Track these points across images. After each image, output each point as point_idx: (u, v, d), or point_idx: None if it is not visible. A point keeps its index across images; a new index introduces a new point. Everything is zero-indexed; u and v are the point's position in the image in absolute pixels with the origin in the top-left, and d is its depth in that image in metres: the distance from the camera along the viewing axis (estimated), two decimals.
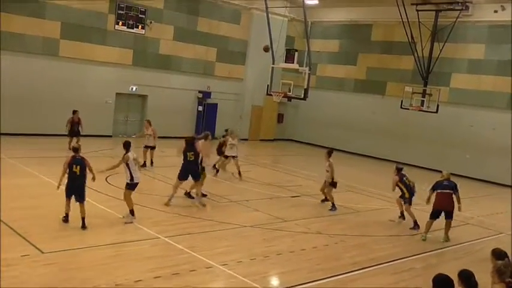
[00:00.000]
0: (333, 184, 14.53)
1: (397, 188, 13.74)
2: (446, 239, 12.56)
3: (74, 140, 18.09)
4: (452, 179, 12.90)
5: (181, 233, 10.82)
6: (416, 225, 13.38)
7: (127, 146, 11.47)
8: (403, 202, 13.78)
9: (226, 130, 18.81)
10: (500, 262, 6.33)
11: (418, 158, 25.18)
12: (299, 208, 14.51)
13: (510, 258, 6.93)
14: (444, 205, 12.42)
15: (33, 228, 10.01)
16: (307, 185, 17.85)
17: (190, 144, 13.22)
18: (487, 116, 23.33)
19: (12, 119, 20.20)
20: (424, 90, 24.11)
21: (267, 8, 20.12)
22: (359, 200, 16.61)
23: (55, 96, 21.96)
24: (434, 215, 12.51)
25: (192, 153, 13.12)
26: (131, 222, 11.13)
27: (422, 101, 23.81)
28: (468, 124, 23.87)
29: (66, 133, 19.21)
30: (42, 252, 8.89)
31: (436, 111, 22.98)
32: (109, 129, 23.78)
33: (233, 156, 17.59)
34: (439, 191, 12.53)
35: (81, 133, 19.18)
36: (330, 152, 14.80)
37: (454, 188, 12.51)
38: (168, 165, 18.19)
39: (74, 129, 19.16)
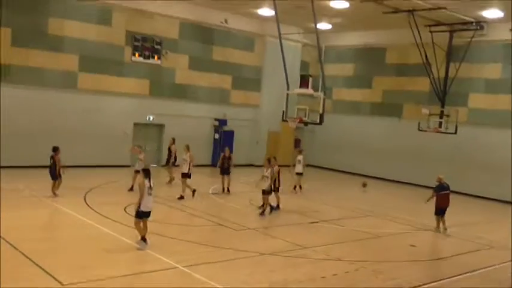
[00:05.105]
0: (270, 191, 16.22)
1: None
2: (446, 230, 15.38)
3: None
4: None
5: (200, 262, 10.73)
6: (277, 207, 16.68)
7: (148, 174, 11.56)
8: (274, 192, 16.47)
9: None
10: None
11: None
12: (318, 234, 14.35)
13: None
14: (446, 204, 15.43)
15: (53, 260, 10.01)
16: (325, 211, 17.71)
17: None
18: (507, 135, 22.95)
19: (31, 152, 20.44)
20: (442, 112, 23.92)
21: (280, 34, 20.26)
22: (379, 224, 16.38)
23: (74, 128, 22.22)
24: (440, 212, 15.45)
25: None
26: (142, 249, 11.14)
27: (440, 123, 23.60)
28: (487, 144, 23.51)
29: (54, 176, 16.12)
30: (62, 284, 8.86)
31: (455, 132, 22.73)
32: (127, 159, 23.95)
33: None
34: (441, 192, 15.44)
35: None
36: (269, 159, 16.69)
37: (449, 188, 15.63)
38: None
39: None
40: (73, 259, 10.30)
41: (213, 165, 26.89)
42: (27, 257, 9.98)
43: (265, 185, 15.97)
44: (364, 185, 23.55)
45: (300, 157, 21.10)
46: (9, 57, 20.57)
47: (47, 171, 16.07)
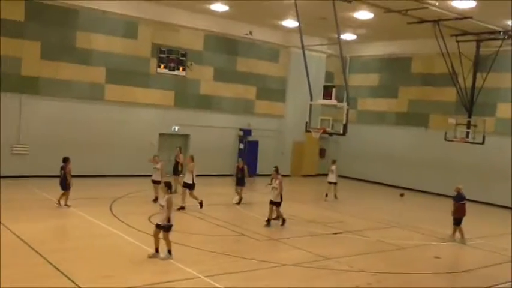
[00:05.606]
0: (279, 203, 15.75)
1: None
2: (463, 239, 15.41)
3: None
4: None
5: (222, 272, 10.77)
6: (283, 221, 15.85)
7: (170, 187, 11.68)
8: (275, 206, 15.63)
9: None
10: None
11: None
12: (341, 245, 14.27)
13: None
14: (462, 214, 15.48)
15: (78, 269, 10.18)
16: (349, 221, 17.59)
17: None
18: None
19: (58, 162, 20.85)
20: (469, 122, 23.59)
21: (303, 45, 20.31)
22: (403, 235, 16.18)
23: (101, 139, 22.70)
24: (457, 222, 15.48)
25: None
26: (165, 259, 11.22)
27: (467, 133, 23.27)
28: None
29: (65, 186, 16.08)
30: None
31: (483, 143, 22.37)
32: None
33: None
34: (459, 202, 15.53)
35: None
36: (276, 169, 16.55)
37: (465, 198, 15.76)
38: (208, 204, 18.23)
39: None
40: (98, 268, 10.47)
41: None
42: (54, 266, 10.18)
43: (274, 196, 15.71)
44: (402, 195, 23.35)
45: (333, 167, 22.08)
46: (39, 70, 21.17)
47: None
